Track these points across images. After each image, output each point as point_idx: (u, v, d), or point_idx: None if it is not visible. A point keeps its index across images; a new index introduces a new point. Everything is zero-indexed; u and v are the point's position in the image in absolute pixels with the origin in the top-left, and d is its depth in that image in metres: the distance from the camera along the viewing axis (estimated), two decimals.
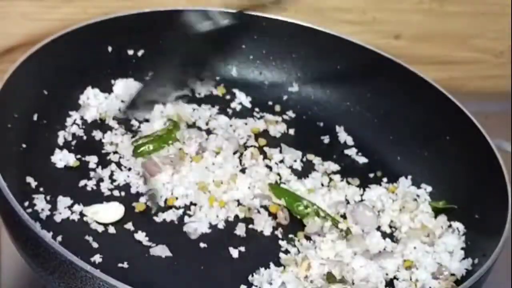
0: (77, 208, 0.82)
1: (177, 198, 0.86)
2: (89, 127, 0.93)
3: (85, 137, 0.92)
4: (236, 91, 1.03)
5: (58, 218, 0.81)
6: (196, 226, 0.83)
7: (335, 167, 0.95)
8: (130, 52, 0.98)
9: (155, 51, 0.98)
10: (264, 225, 0.86)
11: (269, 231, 0.86)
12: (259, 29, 1.02)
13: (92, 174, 0.87)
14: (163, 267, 0.79)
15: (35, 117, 0.88)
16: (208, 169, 0.89)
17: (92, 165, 0.88)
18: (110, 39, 0.96)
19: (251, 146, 0.95)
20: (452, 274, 0.83)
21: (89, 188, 0.86)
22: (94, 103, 0.94)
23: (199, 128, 0.95)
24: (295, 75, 1.05)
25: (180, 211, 0.85)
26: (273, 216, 0.87)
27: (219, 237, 0.84)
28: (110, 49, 0.96)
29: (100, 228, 0.81)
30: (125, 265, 0.78)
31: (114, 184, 0.87)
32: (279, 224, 0.86)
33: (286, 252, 0.83)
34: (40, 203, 0.81)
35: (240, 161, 0.92)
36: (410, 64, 1.00)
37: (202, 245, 0.82)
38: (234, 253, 0.82)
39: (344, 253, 0.82)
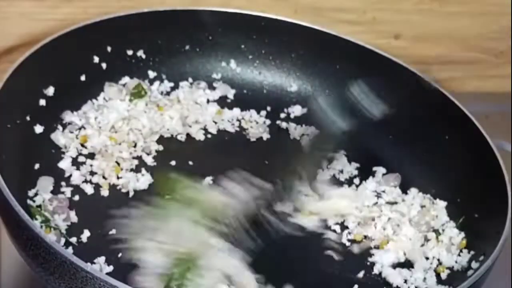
0: None
1: None
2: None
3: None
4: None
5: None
6: None
7: (334, 166, 0.95)
8: (130, 52, 0.98)
9: (155, 51, 0.99)
10: None
11: None
12: (258, 29, 1.02)
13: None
14: None
15: (35, 117, 0.88)
16: None
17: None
18: (110, 39, 0.96)
19: None
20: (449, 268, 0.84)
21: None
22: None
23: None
24: (294, 75, 1.05)
25: None
26: None
27: None
28: (109, 49, 0.96)
29: None
30: None
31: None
32: None
33: None
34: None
35: None
36: (410, 64, 1.00)
37: None
38: None
39: None
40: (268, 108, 1.03)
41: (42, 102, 0.89)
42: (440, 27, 1.20)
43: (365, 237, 0.87)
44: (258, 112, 1.02)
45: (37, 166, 0.86)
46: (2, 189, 0.73)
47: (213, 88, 1.02)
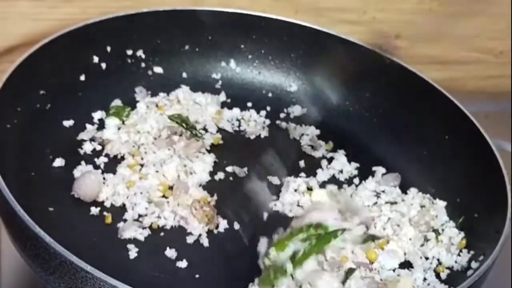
0: None
1: None
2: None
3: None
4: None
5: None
6: None
7: (334, 166, 0.95)
8: (129, 52, 0.98)
9: (155, 51, 0.99)
10: None
11: None
12: (258, 29, 1.02)
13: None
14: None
15: (34, 118, 0.88)
16: None
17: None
18: (110, 39, 0.96)
19: None
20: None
21: None
22: None
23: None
24: (294, 75, 1.05)
25: None
26: None
27: None
28: (109, 49, 0.96)
29: None
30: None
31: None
32: None
33: None
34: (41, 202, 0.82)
35: None
36: (410, 64, 1.00)
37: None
38: None
39: None
40: (268, 108, 1.03)
41: (42, 102, 0.89)
42: (440, 27, 1.20)
43: None
44: (258, 112, 1.02)
45: (36, 166, 0.86)
46: (2, 190, 0.73)
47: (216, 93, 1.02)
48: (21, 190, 0.79)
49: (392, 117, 1.00)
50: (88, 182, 0.84)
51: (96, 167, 0.88)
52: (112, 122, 0.93)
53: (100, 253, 0.78)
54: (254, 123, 1.00)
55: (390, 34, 1.19)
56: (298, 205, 0.90)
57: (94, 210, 0.83)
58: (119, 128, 0.93)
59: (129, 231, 0.81)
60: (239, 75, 1.04)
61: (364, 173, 0.95)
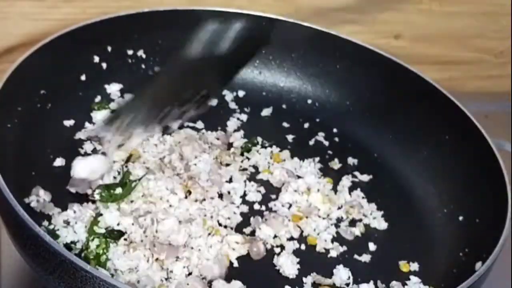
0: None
1: None
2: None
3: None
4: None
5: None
6: None
7: (335, 166, 0.96)
8: (130, 52, 0.98)
9: (155, 51, 0.99)
10: None
11: None
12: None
13: None
14: None
15: (34, 117, 0.88)
16: None
17: None
18: (110, 39, 0.96)
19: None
20: None
21: None
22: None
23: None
24: (294, 74, 1.05)
25: None
26: None
27: None
28: (109, 49, 0.96)
29: None
30: None
31: None
32: None
33: None
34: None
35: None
36: (410, 64, 1.00)
37: None
38: None
39: None
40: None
41: (42, 102, 0.89)
42: (440, 27, 1.20)
43: None
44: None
45: (36, 165, 0.86)
46: (2, 189, 0.73)
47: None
48: (21, 190, 0.79)
49: (392, 117, 1.00)
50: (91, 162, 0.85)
51: None
52: (99, 116, 0.93)
53: None
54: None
55: (390, 34, 1.19)
56: (296, 205, 0.90)
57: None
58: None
59: None
60: (239, 75, 1.04)
61: (363, 173, 0.95)
